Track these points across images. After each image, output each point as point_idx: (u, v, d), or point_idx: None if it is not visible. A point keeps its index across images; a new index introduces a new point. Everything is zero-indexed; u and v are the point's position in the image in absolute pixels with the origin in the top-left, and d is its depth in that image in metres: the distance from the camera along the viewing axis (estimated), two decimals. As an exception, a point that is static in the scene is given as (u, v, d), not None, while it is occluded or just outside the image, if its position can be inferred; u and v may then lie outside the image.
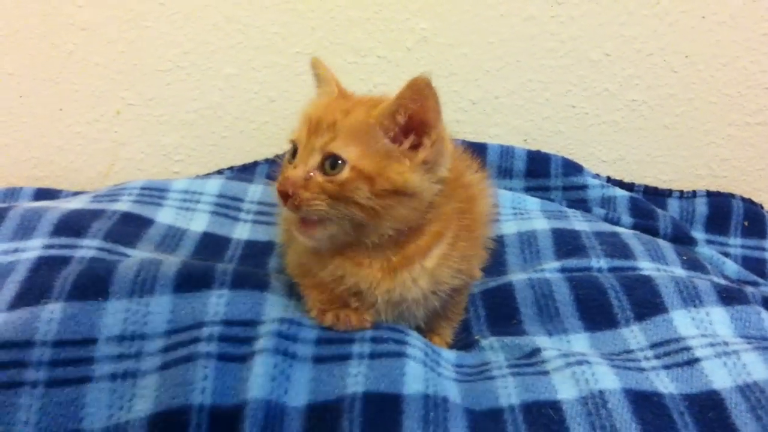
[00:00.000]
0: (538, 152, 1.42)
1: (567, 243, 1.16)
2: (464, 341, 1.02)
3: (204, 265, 0.97)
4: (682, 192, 1.47)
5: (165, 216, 1.19)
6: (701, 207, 1.45)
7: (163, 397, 0.80)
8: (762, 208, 1.44)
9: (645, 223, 1.33)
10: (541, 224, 1.22)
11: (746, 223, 1.42)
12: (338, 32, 1.40)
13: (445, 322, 1.02)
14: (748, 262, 1.37)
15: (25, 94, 1.43)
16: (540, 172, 1.41)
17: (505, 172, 1.41)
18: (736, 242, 1.41)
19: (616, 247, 1.15)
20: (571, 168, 1.41)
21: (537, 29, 1.40)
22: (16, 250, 0.99)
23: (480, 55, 1.42)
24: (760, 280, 1.30)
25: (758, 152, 1.46)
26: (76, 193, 1.33)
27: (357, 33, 1.40)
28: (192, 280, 0.92)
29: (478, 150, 1.38)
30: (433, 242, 0.89)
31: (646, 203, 1.38)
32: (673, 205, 1.46)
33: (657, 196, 1.47)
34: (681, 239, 1.31)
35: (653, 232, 1.31)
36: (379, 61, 1.41)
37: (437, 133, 0.84)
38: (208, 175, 1.38)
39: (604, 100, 1.44)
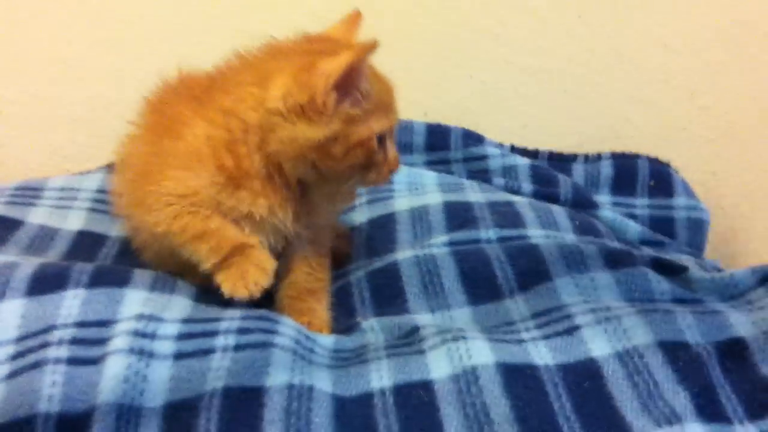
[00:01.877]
0: (438, 125, 1.39)
1: (458, 216, 1.13)
2: (347, 325, 0.98)
3: (61, 265, 0.92)
4: (587, 156, 1.44)
5: (37, 216, 1.14)
6: (606, 169, 1.42)
7: (9, 407, 0.75)
8: (669, 166, 1.42)
9: (545, 190, 1.31)
10: (434, 198, 1.19)
11: (652, 183, 1.40)
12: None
13: (313, 300, 0.99)
14: (655, 222, 1.35)
15: None
16: (440, 145, 1.38)
17: (405, 148, 1.38)
18: (642, 203, 1.39)
19: (507, 217, 1.12)
20: (472, 139, 1.38)
21: (430, 1, 1.37)
22: None
23: (371, 30, 1.38)
24: (666, 240, 1.28)
25: (660, 110, 1.44)
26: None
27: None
28: (46, 282, 0.87)
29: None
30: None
31: (548, 170, 1.35)
32: (578, 170, 1.43)
33: (562, 162, 1.44)
34: (582, 204, 1.29)
35: (554, 198, 1.29)
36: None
37: None
38: (89, 172, 1.33)
39: (501, 68, 1.42)
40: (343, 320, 0.99)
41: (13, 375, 0.78)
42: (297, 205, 0.93)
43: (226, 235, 0.91)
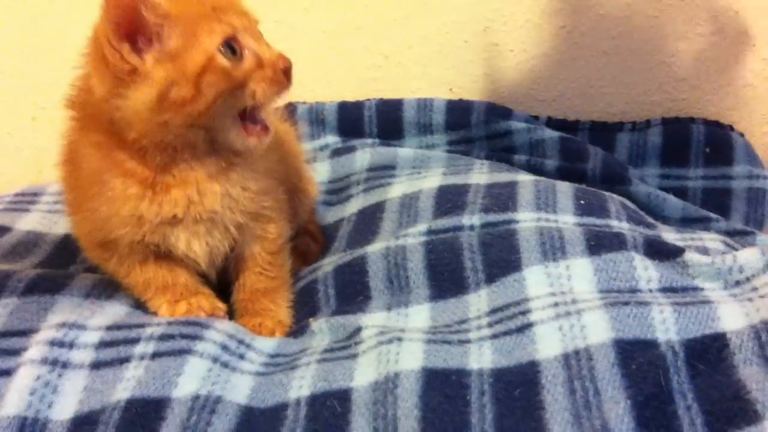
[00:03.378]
0: (459, 101, 1.28)
1: (448, 201, 1.03)
2: (299, 326, 0.92)
3: (2, 272, 0.92)
4: (634, 123, 1.29)
5: (27, 222, 1.15)
6: (655, 137, 1.26)
7: None
8: (730, 129, 1.24)
9: (571, 166, 1.18)
10: (430, 183, 1.09)
11: (708, 150, 1.23)
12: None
13: (266, 299, 0.93)
14: (709, 195, 1.21)
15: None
16: (461, 123, 1.27)
17: (425, 129, 1.28)
18: (696, 173, 1.23)
19: (500, 200, 1.00)
20: (496, 114, 1.25)
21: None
22: None
23: (382, 3, 1.30)
24: (713, 216, 1.12)
25: (718, 65, 1.26)
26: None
27: None
28: (-19, 291, 0.87)
29: (394, 108, 1.28)
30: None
31: (579, 143, 1.21)
32: (624, 140, 1.28)
33: (606, 132, 1.29)
34: (612, 179, 1.15)
35: (580, 174, 1.16)
36: (277, 25, 1.31)
37: None
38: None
39: (527, 32, 1.29)
40: (303, 320, 0.93)
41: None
42: (216, 178, 0.84)
43: (169, 282, 0.89)
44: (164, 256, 0.87)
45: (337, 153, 1.24)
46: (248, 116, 0.82)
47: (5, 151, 1.46)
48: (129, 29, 0.75)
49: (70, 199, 0.90)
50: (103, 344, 0.81)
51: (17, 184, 1.44)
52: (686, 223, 1.11)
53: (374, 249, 0.96)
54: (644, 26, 1.25)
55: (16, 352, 0.79)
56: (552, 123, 1.31)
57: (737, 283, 0.81)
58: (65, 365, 0.78)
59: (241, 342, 0.84)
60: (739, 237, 1.07)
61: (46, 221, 1.16)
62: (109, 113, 0.78)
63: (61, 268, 1.04)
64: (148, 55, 0.76)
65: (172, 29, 0.76)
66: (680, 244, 0.91)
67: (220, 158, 0.83)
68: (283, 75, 0.80)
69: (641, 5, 1.24)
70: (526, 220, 0.95)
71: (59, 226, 1.15)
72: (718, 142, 1.23)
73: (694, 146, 1.24)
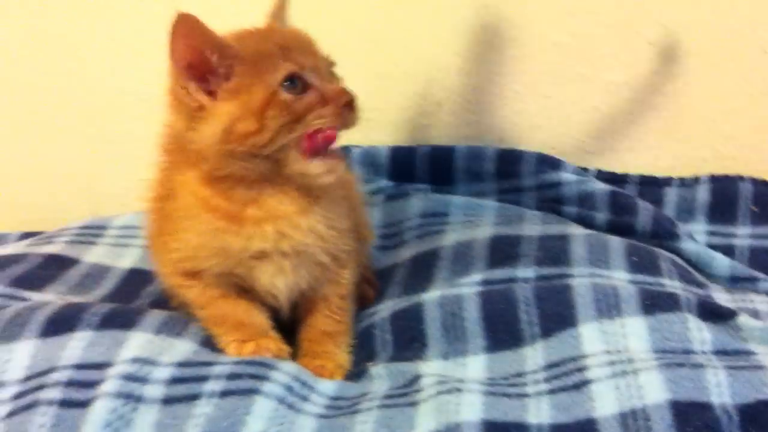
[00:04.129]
0: (510, 151, 1.31)
1: (501, 251, 1.06)
2: (359, 370, 0.94)
3: (79, 306, 0.96)
4: (682, 179, 1.31)
5: (94, 255, 1.20)
6: (703, 194, 1.28)
7: None
8: (777, 188, 1.26)
9: (621, 220, 1.20)
10: (484, 232, 1.12)
11: (755, 208, 1.25)
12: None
13: (330, 342, 0.96)
14: (756, 254, 1.21)
15: None
16: (511, 172, 1.30)
17: (475, 176, 1.31)
18: (744, 231, 1.24)
19: (553, 253, 1.03)
20: (546, 165, 1.28)
21: (492, 18, 1.30)
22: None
23: (435, 51, 1.34)
24: (760, 275, 1.13)
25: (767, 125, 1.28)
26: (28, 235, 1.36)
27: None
28: (59, 323, 0.91)
29: (445, 155, 1.32)
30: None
31: (628, 197, 1.24)
32: (671, 195, 1.30)
33: (654, 186, 1.32)
34: (661, 234, 1.17)
35: (629, 228, 1.18)
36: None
37: None
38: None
39: (578, 85, 1.31)
40: (360, 364, 0.96)
41: (10, 414, 0.82)
42: (303, 214, 0.88)
43: (242, 321, 0.92)
44: (244, 291, 0.92)
45: (390, 198, 1.28)
46: (318, 149, 0.85)
47: (63, 183, 1.51)
48: (199, 70, 0.81)
49: (156, 231, 0.94)
50: (174, 380, 0.84)
51: (75, 216, 1.50)
52: (734, 281, 1.12)
53: (430, 297, 0.99)
54: (694, 84, 1.28)
55: (91, 385, 0.82)
56: (601, 176, 1.33)
57: (789, 348, 0.83)
58: (139, 399, 0.81)
59: (304, 384, 0.86)
60: (787, 298, 1.08)
61: (112, 254, 1.20)
62: (188, 147, 0.84)
63: (127, 301, 1.08)
64: (218, 91, 0.82)
65: (240, 68, 0.82)
66: (731, 305, 0.93)
67: (303, 194, 0.87)
68: (345, 108, 0.83)
69: (692, 64, 1.26)
70: (580, 275, 0.98)
71: (124, 259, 1.19)
72: (766, 201, 1.25)
73: (742, 204, 1.26)
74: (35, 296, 1.07)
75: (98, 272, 1.16)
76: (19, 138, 1.49)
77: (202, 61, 0.81)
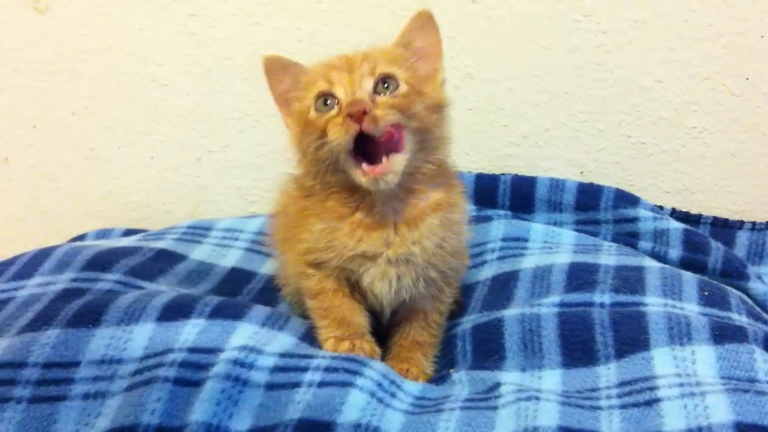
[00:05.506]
0: (590, 185, 1.38)
1: (579, 277, 1.13)
2: (441, 375, 1.02)
3: (192, 296, 1.05)
4: (754, 223, 1.36)
5: (200, 252, 1.30)
6: (774, 239, 1.34)
7: (120, 415, 0.87)
8: None
9: (694, 257, 1.26)
10: (562, 258, 1.19)
11: (823, 258, 1.29)
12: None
13: (419, 351, 1.04)
14: (820, 301, 1.25)
15: (121, 145, 1.60)
16: (590, 205, 1.37)
17: (555, 206, 1.39)
18: (811, 277, 1.29)
19: (629, 282, 1.09)
20: (624, 200, 1.35)
21: (583, 59, 1.38)
22: (48, 284, 1.12)
23: (526, 88, 1.42)
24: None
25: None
26: (131, 232, 1.48)
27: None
28: (174, 310, 1.00)
29: (527, 183, 1.39)
30: (437, 205, 0.98)
31: (702, 236, 1.29)
32: (743, 238, 1.36)
33: (726, 228, 1.37)
34: (731, 274, 1.22)
35: (702, 266, 1.24)
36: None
37: (443, 60, 0.99)
38: (254, 215, 1.48)
39: (660, 128, 1.38)
40: (442, 370, 1.04)
41: (130, 388, 0.90)
42: (414, 226, 0.97)
43: (345, 318, 1.01)
44: (353, 292, 1.01)
45: (474, 220, 1.36)
46: (369, 157, 0.92)
47: (171, 186, 1.63)
48: (284, 98, 0.99)
49: (280, 237, 1.09)
50: (277, 369, 0.92)
51: (174, 218, 1.61)
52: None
53: (510, 314, 1.06)
54: (771, 134, 1.34)
55: (204, 367, 0.91)
56: (675, 214, 1.39)
57: None
58: (245, 383, 0.89)
59: (392, 382, 0.94)
60: None
61: (216, 254, 1.30)
62: None
63: (230, 296, 1.18)
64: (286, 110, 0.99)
65: (301, 92, 0.96)
66: (797, 343, 0.99)
67: (415, 207, 0.98)
68: (349, 118, 0.88)
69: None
70: (654, 304, 1.04)
71: (227, 259, 1.29)
72: (835, 251, 1.30)
73: (811, 251, 1.31)
74: (149, 286, 1.16)
75: (203, 269, 1.26)
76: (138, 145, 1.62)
77: (286, 90, 0.98)
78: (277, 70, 0.98)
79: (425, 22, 0.96)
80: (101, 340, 0.96)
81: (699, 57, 1.33)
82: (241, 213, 1.60)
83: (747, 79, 1.31)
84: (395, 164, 0.91)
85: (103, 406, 0.89)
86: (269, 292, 1.21)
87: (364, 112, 0.87)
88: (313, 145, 0.92)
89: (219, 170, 1.60)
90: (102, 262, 1.18)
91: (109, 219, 1.65)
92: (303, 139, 0.95)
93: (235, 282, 1.24)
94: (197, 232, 1.36)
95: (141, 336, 0.97)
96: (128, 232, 1.53)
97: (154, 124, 1.58)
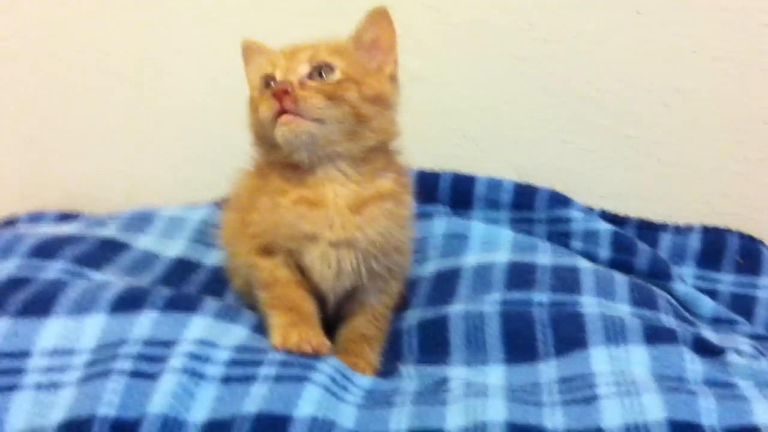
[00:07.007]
0: (526, 185, 1.43)
1: (519, 276, 1.18)
2: (389, 369, 1.06)
3: (143, 288, 1.06)
4: (677, 227, 1.45)
5: (144, 242, 1.30)
6: (694, 242, 1.42)
7: (74, 407, 0.87)
8: (761, 245, 1.40)
9: (622, 258, 1.32)
10: (502, 257, 1.24)
11: (741, 260, 1.38)
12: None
13: (366, 344, 1.07)
14: (736, 300, 1.34)
15: (57, 128, 1.58)
16: (525, 204, 1.42)
17: (491, 204, 1.44)
18: (727, 279, 1.38)
19: (566, 282, 1.16)
20: (558, 201, 1.41)
21: (528, 67, 1.43)
22: (-8, 271, 1.11)
23: (474, 93, 1.46)
24: (739, 319, 1.26)
25: (759, 188, 1.42)
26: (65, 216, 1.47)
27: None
28: (127, 302, 1.00)
29: (466, 182, 1.44)
30: (382, 195, 1.03)
31: (629, 238, 1.36)
32: (666, 240, 1.44)
33: (650, 230, 1.45)
34: (657, 274, 1.30)
35: (629, 266, 1.31)
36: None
37: (396, 55, 1.04)
38: (196, 205, 1.48)
39: (597, 135, 1.45)
40: (388, 364, 1.07)
41: (84, 380, 0.90)
42: (357, 211, 1.01)
43: (295, 304, 1.02)
44: (304, 281, 1.04)
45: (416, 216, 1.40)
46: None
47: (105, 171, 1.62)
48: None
49: (230, 232, 1.14)
50: (232, 362, 0.93)
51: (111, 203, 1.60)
52: (716, 322, 1.25)
53: (455, 310, 1.11)
54: (702, 144, 1.42)
55: (160, 359, 0.92)
56: (605, 216, 1.46)
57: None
58: (201, 376, 0.90)
59: (344, 376, 0.97)
60: (760, 341, 1.21)
61: (160, 243, 1.31)
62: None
63: (177, 287, 1.18)
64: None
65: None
66: (719, 344, 1.07)
67: (360, 192, 1.02)
68: (273, 96, 0.95)
69: (703, 128, 1.41)
70: (589, 304, 1.10)
71: (171, 248, 1.31)
72: (750, 254, 1.38)
73: (728, 255, 1.39)
74: (95, 274, 1.16)
75: (148, 258, 1.27)
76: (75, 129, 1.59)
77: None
78: (253, 53, 1.07)
79: (380, 17, 1.02)
80: (52, 330, 0.96)
81: (637, 69, 1.39)
82: (181, 201, 1.59)
83: (678, 90, 1.38)
84: (303, 125, 0.95)
85: (57, 396, 0.89)
86: (216, 283, 1.22)
87: (285, 92, 0.93)
88: (251, 120, 1.02)
89: (158, 157, 1.59)
90: (47, 249, 1.17)
91: (42, 202, 1.63)
92: (249, 117, 1.02)
93: (180, 272, 1.25)
94: (141, 220, 1.36)
95: (93, 327, 0.97)
96: (62, 216, 1.51)
97: (93, 109, 1.56)
